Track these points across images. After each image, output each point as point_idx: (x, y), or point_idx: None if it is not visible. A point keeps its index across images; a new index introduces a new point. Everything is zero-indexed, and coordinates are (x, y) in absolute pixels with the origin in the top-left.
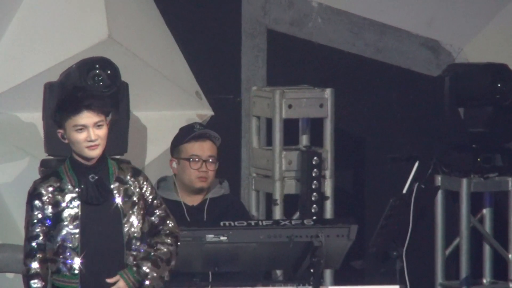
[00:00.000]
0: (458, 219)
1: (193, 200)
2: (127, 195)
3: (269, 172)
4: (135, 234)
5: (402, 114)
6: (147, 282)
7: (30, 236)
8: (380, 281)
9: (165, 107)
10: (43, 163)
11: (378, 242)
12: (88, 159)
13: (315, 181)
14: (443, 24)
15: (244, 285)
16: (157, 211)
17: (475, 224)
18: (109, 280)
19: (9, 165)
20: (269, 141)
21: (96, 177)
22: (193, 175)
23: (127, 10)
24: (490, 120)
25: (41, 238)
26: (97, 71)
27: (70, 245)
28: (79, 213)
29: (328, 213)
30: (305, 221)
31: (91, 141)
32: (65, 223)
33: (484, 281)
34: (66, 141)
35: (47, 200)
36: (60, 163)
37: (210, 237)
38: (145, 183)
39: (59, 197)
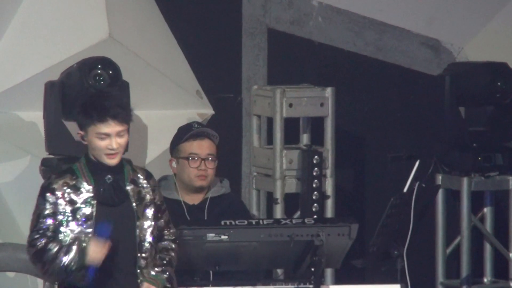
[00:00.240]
0: (459, 218)
1: (194, 199)
2: (140, 198)
3: (269, 171)
4: (146, 237)
5: (403, 113)
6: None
7: (38, 228)
8: (381, 280)
9: (166, 106)
10: (44, 162)
11: (378, 241)
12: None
13: (315, 180)
14: (443, 23)
15: (245, 284)
16: (163, 215)
17: (475, 223)
18: None
19: (9, 164)
20: (270, 140)
21: (112, 179)
22: (192, 173)
23: (127, 10)
24: (490, 119)
25: (48, 231)
26: (98, 71)
27: (83, 244)
28: (94, 213)
29: (329, 212)
30: (306, 220)
31: (112, 149)
32: (79, 222)
33: (485, 280)
34: (85, 143)
35: (61, 196)
36: (60, 162)
37: (210, 236)
38: (156, 187)
39: (74, 195)
